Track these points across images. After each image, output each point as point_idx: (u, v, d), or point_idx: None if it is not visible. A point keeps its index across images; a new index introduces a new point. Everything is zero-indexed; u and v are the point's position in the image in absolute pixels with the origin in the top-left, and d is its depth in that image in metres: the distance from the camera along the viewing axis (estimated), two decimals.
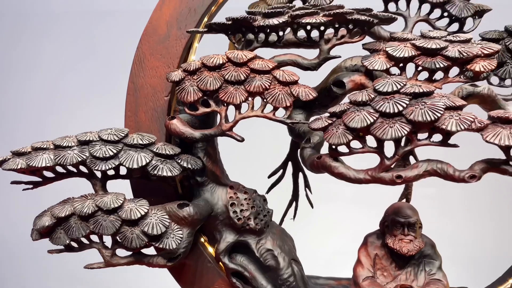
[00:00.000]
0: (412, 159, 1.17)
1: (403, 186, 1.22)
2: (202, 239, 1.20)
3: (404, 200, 1.22)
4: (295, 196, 1.32)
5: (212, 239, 1.18)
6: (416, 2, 1.13)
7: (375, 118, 0.88)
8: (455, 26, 1.13)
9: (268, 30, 1.04)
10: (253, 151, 1.69)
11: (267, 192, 1.30)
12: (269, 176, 1.32)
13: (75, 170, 1.07)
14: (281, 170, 1.31)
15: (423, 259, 1.08)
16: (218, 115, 1.02)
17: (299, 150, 1.11)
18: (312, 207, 1.34)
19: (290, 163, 1.31)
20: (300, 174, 1.32)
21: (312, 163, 1.01)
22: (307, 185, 1.32)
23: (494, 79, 1.13)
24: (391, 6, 1.14)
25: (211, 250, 1.19)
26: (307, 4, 1.09)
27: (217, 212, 1.13)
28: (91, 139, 1.05)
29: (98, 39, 1.95)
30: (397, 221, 1.05)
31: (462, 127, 0.83)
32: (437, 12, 1.13)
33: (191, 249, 1.16)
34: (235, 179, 1.19)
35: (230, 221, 1.12)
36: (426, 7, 1.13)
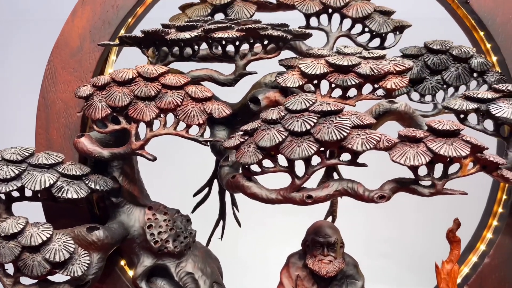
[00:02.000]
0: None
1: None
2: (122, 263, 1.14)
3: (330, 218, 1.19)
4: (222, 215, 1.27)
5: (130, 262, 1.12)
6: (338, 17, 1.11)
7: (284, 137, 0.85)
8: (377, 42, 1.13)
9: (182, 44, 1.00)
10: (178, 169, 1.64)
11: (192, 212, 1.25)
12: (194, 195, 1.27)
13: None
14: (207, 188, 1.26)
15: (345, 279, 1.06)
16: None
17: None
18: (239, 226, 1.29)
19: (216, 181, 1.26)
20: (228, 192, 1.28)
21: (227, 182, 0.97)
22: (234, 203, 1.28)
23: (415, 95, 1.12)
24: (313, 21, 1.12)
25: (131, 273, 1.13)
26: (225, 18, 1.06)
27: (134, 235, 1.08)
28: None
29: (9, 49, 1.86)
30: (316, 241, 1.02)
31: (368, 147, 0.81)
32: (358, 28, 1.12)
33: (108, 273, 1.10)
34: (159, 199, 1.14)
35: (147, 244, 1.07)
36: (347, 22, 1.12)
